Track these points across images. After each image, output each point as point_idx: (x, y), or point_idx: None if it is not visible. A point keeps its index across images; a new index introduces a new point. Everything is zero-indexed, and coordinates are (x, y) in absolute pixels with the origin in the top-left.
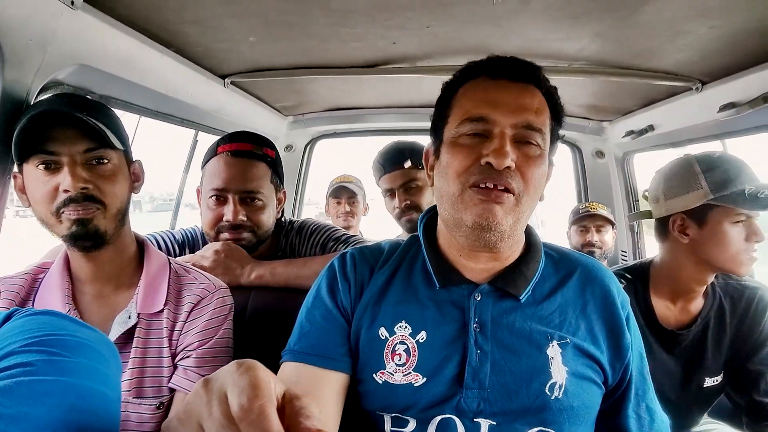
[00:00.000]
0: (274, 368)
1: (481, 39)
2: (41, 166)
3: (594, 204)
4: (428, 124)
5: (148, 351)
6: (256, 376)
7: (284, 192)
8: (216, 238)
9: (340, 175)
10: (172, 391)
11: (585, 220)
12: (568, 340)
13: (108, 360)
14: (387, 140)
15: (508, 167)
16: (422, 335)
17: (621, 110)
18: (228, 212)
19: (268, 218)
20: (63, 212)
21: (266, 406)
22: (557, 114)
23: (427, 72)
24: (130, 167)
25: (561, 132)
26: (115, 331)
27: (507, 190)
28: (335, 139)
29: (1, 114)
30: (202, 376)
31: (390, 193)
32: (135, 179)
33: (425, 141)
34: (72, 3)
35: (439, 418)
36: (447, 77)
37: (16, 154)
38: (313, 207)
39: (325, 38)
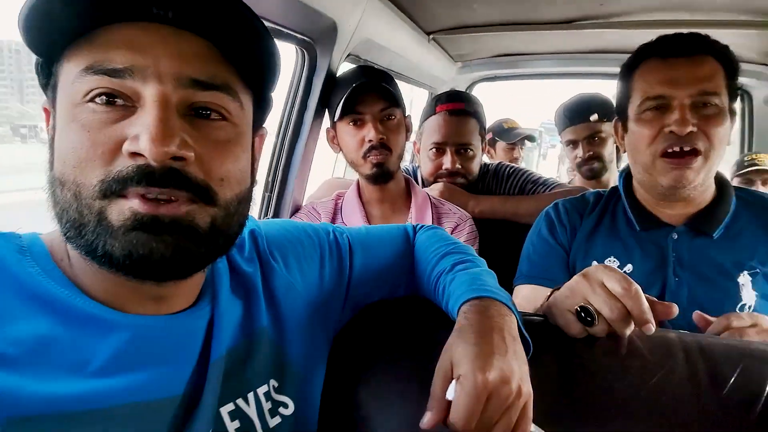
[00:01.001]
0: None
1: None
2: (351, 123)
3: (761, 156)
4: (595, 69)
5: None
6: (621, 273)
7: (487, 140)
8: (435, 183)
9: (509, 119)
10: None
11: (751, 173)
12: (758, 270)
13: None
14: (538, 84)
15: (691, 132)
16: (628, 267)
17: None
18: (447, 162)
19: (476, 165)
20: (368, 156)
21: (639, 289)
22: (732, 70)
23: (622, 26)
24: (405, 120)
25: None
26: None
27: (694, 152)
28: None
29: (318, 85)
30: None
31: (573, 144)
32: (407, 130)
33: (586, 86)
34: None
35: None
36: (640, 30)
37: (335, 115)
38: None
39: (539, 3)
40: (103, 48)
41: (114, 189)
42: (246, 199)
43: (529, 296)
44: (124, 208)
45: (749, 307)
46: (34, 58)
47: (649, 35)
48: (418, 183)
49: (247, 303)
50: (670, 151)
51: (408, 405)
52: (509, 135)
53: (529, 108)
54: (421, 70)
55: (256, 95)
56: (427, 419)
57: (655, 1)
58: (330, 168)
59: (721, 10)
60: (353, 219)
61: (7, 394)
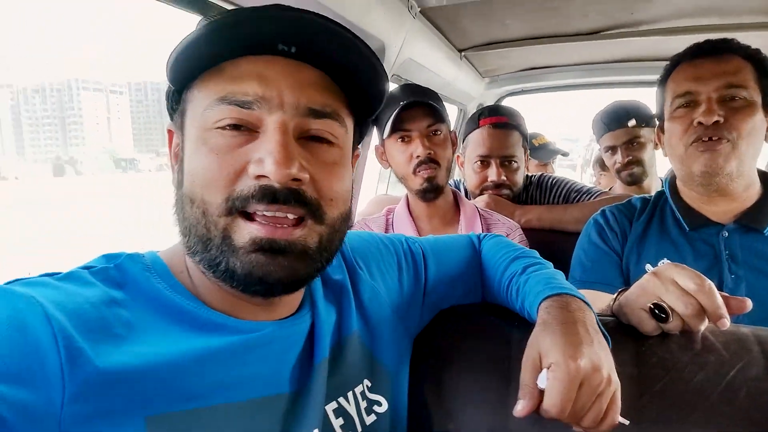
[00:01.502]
0: None
1: (719, 3)
2: (399, 140)
3: None
4: (621, 78)
5: None
6: (693, 270)
7: (528, 152)
8: (480, 195)
9: (539, 135)
10: None
11: None
12: None
13: None
14: (565, 96)
15: (717, 121)
16: None
17: None
18: (492, 174)
19: (521, 177)
20: (419, 171)
21: (712, 285)
22: (763, 68)
23: (651, 34)
24: (450, 135)
25: None
26: None
27: (721, 139)
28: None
29: None
30: None
31: (612, 149)
32: (453, 144)
33: (616, 95)
34: (414, 16)
35: None
36: (669, 37)
37: (384, 132)
38: None
39: (570, 15)
40: (234, 80)
41: (237, 206)
42: (347, 217)
43: (589, 300)
44: (244, 232)
45: None
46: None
47: (679, 41)
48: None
49: (339, 309)
50: (699, 140)
51: (485, 401)
52: (542, 153)
53: (550, 118)
54: (453, 87)
55: (357, 119)
56: (521, 407)
57: (686, 7)
58: (373, 186)
59: (752, 12)
60: (405, 233)
61: (146, 396)
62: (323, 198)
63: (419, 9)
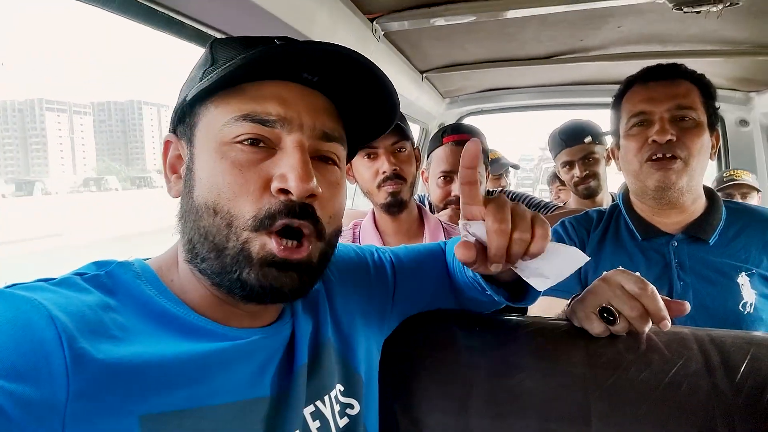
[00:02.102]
0: None
1: (660, 31)
2: (366, 157)
3: (738, 171)
4: (574, 100)
5: None
6: (637, 275)
7: (489, 168)
8: (444, 209)
9: (493, 150)
10: None
11: (730, 188)
12: (754, 271)
13: None
14: (520, 116)
15: (670, 140)
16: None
17: None
18: (455, 188)
19: (483, 191)
20: (383, 186)
21: (654, 289)
22: (708, 92)
23: (600, 59)
24: (414, 152)
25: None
26: None
27: (674, 157)
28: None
29: None
30: None
31: (569, 164)
32: (417, 160)
33: (569, 116)
34: (378, 39)
35: None
36: (616, 62)
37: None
38: None
39: (525, 40)
40: (256, 100)
41: (266, 224)
42: (339, 233)
43: (545, 307)
44: (264, 247)
45: (750, 305)
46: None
47: (625, 66)
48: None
49: (316, 317)
50: (654, 157)
51: (448, 407)
52: (495, 166)
53: (511, 139)
54: (416, 107)
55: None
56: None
57: (630, 35)
58: None
59: (691, 41)
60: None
61: (141, 396)
62: (325, 215)
63: (383, 32)
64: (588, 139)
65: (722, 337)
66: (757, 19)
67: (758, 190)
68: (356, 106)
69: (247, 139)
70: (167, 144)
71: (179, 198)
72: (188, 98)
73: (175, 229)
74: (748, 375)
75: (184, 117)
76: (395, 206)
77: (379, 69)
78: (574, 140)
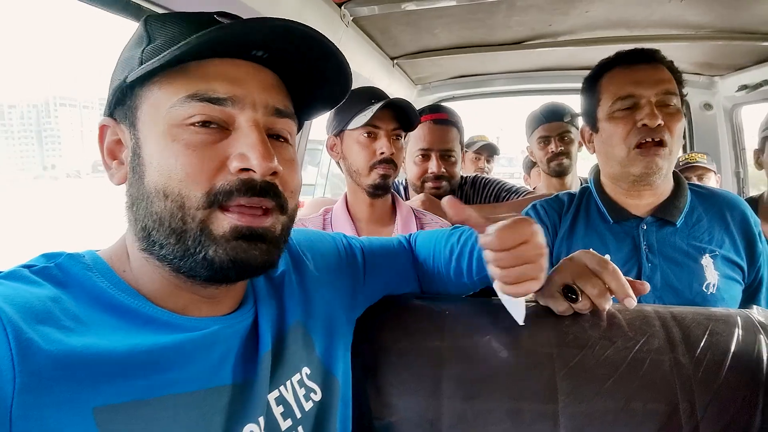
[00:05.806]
0: None
1: (626, 16)
2: (366, 135)
3: (693, 155)
4: (544, 86)
5: None
6: (599, 255)
7: (464, 148)
8: (421, 188)
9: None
10: None
11: (686, 171)
12: (717, 252)
13: None
14: (494, 102)
15: (659, 125)
16: (606, 257)
17: (733, 66)
18: (432, 166)
19: (458, 170)
20: (377, 167)
21: (616, 267)
22: (679, 79)
23: (568, 44)
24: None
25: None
26: None
27: (661, 143)
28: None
29: None
30: None
31: (546, 140)
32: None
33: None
34: (347, 24)
35: None
36: (585, 47)
37: (345, 124)
38: None
39: (494, 26)
40: (203, 79)
41: (220, 200)
42: (297, 209)
43: None
44: (223, 222)
45: (713, 286)
46: None
47: (593, 52)
48: (401, 196)
49: (281, 301)
50: (643, 142)
51: (419, 389)
52: (472, 145)
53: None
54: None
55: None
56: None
57: (597, 20)
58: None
59: (656, 26)
60: (342, 231)
61: (93, 387)
62: (287, 191)
63: (351, 18)
64: (567, 119)
65: (683, 314)
66: (719, 4)
67: (715, 172)
68: (305, 80)
69: (199, 121)
70: (103, 128)
71: (123, 186)
72: (128, 80)
73: (125, 218)
74: (708, 349)
75: (124, 99)
76: (381, 189)
77: (328, 39)
78: (554, 116)
